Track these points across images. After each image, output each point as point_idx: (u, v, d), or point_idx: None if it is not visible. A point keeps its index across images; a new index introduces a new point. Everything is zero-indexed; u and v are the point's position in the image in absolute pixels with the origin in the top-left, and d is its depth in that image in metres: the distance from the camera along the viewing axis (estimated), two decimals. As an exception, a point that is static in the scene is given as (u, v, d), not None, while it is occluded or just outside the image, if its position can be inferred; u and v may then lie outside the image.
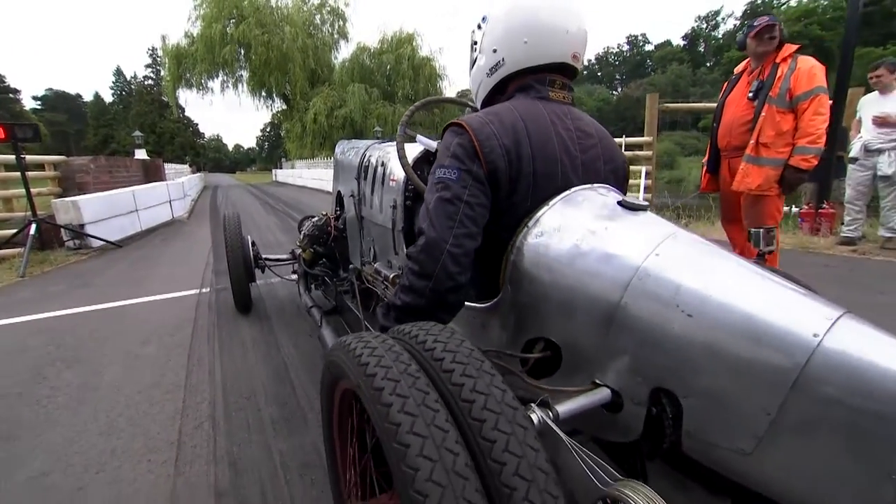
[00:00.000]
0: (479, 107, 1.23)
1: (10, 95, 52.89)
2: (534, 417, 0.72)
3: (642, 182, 6.59)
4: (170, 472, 1.42)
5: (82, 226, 4.93)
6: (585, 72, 74.39)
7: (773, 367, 0.65)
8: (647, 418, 0.80)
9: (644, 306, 0.77)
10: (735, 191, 2.62)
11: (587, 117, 1.13)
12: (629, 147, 6.84)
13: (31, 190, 4.60)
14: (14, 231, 4.42)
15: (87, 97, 65.04)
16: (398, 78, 21.66)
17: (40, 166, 5.47)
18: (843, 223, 4.35)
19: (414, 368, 0.66)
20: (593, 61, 75.18)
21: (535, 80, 1.07)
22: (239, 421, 1.71)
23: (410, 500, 0.53)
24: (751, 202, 2.60)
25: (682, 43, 64.34)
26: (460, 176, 0.96)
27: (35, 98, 63.80)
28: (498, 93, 1.15)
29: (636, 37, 73.49)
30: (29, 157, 4.84)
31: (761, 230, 1.13)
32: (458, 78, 30.06)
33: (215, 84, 21.24)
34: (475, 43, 1.17)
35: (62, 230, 4.89)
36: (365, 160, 2.04)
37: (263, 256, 2.91)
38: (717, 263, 0.79)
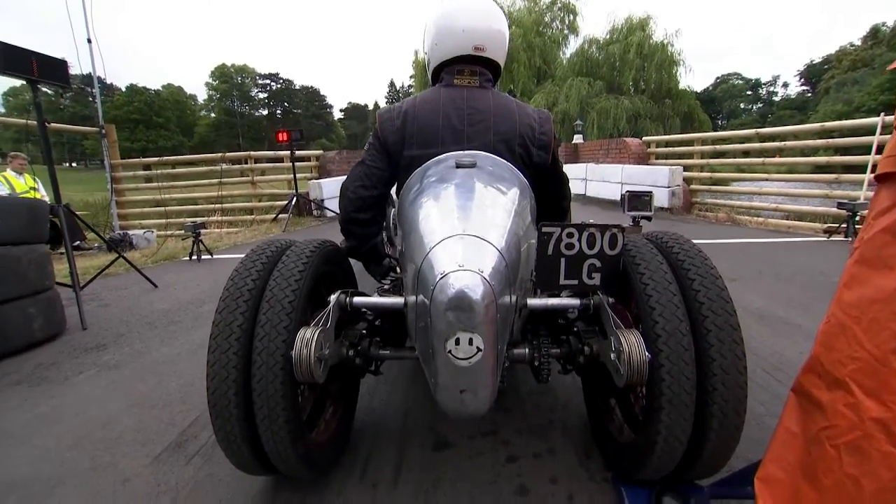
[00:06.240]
0: None
1: (327, 109, 72.85)
2: (332, 298, 1.07)
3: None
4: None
5: (322, 201, 6.88)
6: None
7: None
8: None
9: (405, 223, 1.10)
10: None
11: (490, 98, 1.33)
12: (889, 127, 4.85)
13: (298, 174, 6.73)
14: (285, 202, 6.57)
15: (372, 106, 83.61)
16: (624, 68, 20.50)
17: (307, 158, 7.81)
18: None
19: (264, 261, 1.11)
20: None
21: (447, 71, 1.36)
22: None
23: None
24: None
25: None
26: (369, 149, 1.37)
27: (340, 110, 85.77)
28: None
29: None
30: (298, 152, 7.02)
31: (627, 193, 1.09)
32: (696, 64, 26.09)
33: (451, 95, 24.55)
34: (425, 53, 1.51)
35: (311, 203, 6.94)
36: None
37: None
38: (445, 204, 1.02)
